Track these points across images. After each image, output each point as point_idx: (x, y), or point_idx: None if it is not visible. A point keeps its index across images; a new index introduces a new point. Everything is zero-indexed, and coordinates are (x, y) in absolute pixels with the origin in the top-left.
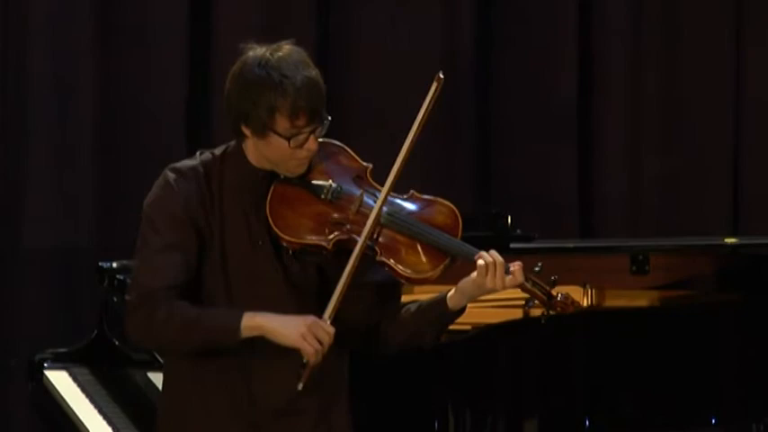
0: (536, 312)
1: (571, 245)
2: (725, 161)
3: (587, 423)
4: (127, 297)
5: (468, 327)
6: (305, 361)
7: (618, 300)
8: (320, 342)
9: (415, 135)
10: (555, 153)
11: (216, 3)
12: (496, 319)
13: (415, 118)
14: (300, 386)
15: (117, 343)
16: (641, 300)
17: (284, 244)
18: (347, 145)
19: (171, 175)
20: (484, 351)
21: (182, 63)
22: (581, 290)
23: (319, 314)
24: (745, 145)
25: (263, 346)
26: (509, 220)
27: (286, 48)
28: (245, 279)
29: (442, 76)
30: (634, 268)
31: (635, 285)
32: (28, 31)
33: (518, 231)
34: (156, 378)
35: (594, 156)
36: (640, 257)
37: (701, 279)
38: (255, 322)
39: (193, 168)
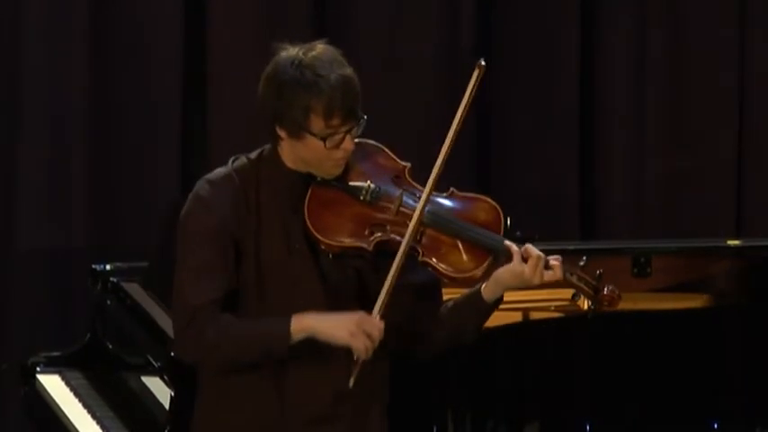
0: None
1: (572, 246)
2: (728, 163)
3: (588, 427)
4: (173, 319)
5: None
6: (355, 358)
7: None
8: (370, 338)
9: (456, 129)
10: (556, 154)
11: (211, 3)
12: (497, 322)
13: (456, 110)
14: (352, 382)
15: (110, 346)
16: (643, 302)
17: (323, 247)
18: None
19: (204, 188)
20: (484, 354)
21: (176, 64)
22: None
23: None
24: (749, 147)
25: (299, 354)
26: (509, 222)
27: (319, 47)
28: (281, 283)
29: (483, 62)
30: (636, 270)
31: (637, 287)
32: (21, 32)
33: (518, 233)
34: (150, 382)
35: (596, 157)
36: (642, 259)
37: (704, 281)
38: (305, 324)
39: (227, 177)
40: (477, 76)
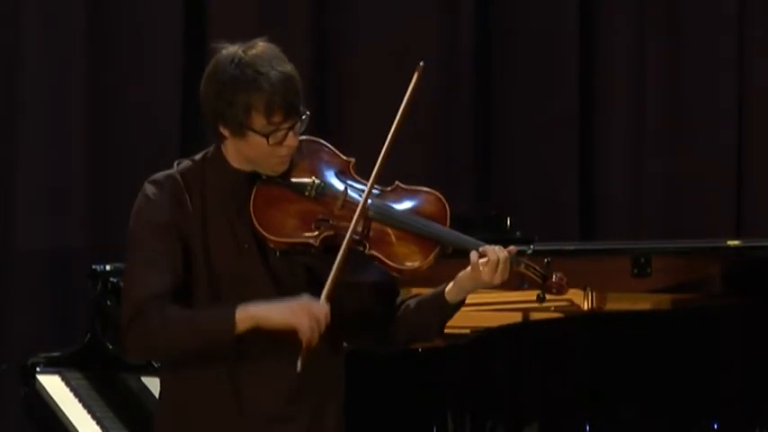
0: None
1: (572, 247)
2: (728, 163)
3: (588, 428)
4: (121, 315)
5: (468, 330)
6: (302, 339)
7: (619, 303)
8: (316, 320)
9: (397, 126)
10: (556, 154)
11: (210, 3)
12: (496, 322)
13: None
14: (299, 366)
15: (110, 347)
16: (643, 303)
17: (271, 245)
18: (338, 142)
19: (148, 187)
20: (483, 355)
21: (176, 64)
22: (581, 293)
23: None
24: (748, 147)
25: (251, 352)
26: (508, 222)
27: (260, 45)
28: (233, 284)
29: (422, 64)
30: (635, 271)
31: (636, 288)
32: (20, 32)
33: (518, 233)
34: (150, 382)
35: (596, 157)
36: (642, 260)
37: (703, 282)
38: (248, 313)
39: (170, 177)
40: (417, 79)
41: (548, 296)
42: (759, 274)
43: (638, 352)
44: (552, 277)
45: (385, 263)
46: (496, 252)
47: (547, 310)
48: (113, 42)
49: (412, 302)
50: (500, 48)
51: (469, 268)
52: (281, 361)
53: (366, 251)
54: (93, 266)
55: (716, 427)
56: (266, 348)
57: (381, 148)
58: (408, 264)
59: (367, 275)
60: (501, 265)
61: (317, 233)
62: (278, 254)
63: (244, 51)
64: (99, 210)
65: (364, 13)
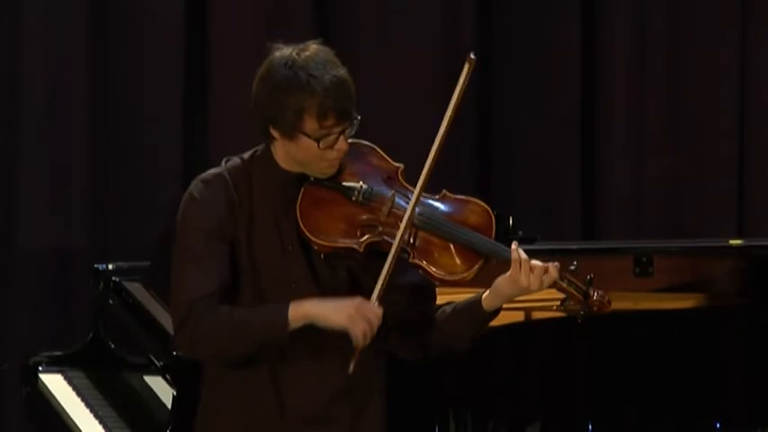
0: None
1: (574, 246)
2: (729, 162)
3: (590, 427)
4: (172, 317)
5: None
6: (354, 344)
7: (621, 302)
8: (369, 323)
9: (447, 127)
10: (556, 154)
11: (211, 3)
12: (497, 322)
13: (445, 110)
14: (351, 368)
15: (112, 346)
16: (645, 302)
17: (315, 247)
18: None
19: (197, 187)
20: (485, 354)
21: (178, 61)
22: None
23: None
24: (750, 146)
25: (294, 352)
26: (511, 222)
27: (313, 47)
28: (276, 284)
29: (473, 56)
30: (637, 270)
31: (638, 287)
32: (21, 32)
33: (520, 233)
34: (152, 381)
35: (597, 157)
36: (644, 259)
37: (706, 281)
38: (303, 310)
39: (219, 176)
40: (468, 72)
41: (549, 296)
42: (761, 273)
43: (640, 352)
44: (594, 295)
45: (429, 272)
46: (541, 263)
47: (548, 309)
48: (114, 42)
49: (447, 309)
50: (501, 47)
51: (509, 273)
52: (323, 362)
53: (411, 259)
54: (95, 265)
55: (718, 426)
56: (309, 349)
57: (428, 154)
58: (452, 275)
59: (407, 279)
60: (549, 271)
61: (362, 239)
62: (322, 256)
63: (297, 53)
64: (99, 209)
65: (365, 13)
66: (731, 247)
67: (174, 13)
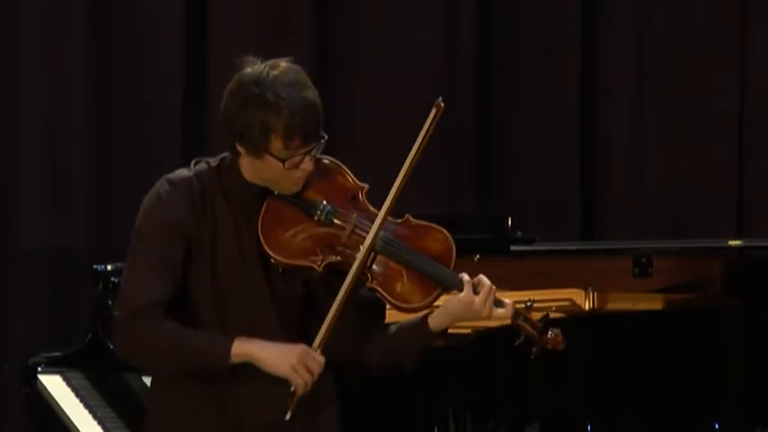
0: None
1: (573, 247)
2: (729, 162)
3: (589, 427)
4: (114, 312)
5: (470, 330)
6: (292, 390)
7: (620, 303)
8: (310, 372)
9: (412, 160)
10: (556, 154)
11: (212, 2)
12: (497, 322)
13: (413, 141)
14: (288, 416)
15: (111, 347)
16: (644, 303)
17: (273, 262)
18: (346, 157)
19: (163, 186)
20: (484, 354)
21: (176, 64)
22: (583, 293)
23: (305, 336)
24: (750, 146)
25: (247, 366)
26: (509, 222)
27: (283, 65)
28: (233, 293)
29: (441, 103)
30: (637, 271)
31: (638, 288)
32: (21, 32)
33: (519, 233)
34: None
35: (597, 157)
36: (643, 260)
37: (705, 282)
38: (245, 350)
39: (187, 180)
40: (435, 116)
41: (548, 297)
42: (760, 273)
43: (640, 352)
44: (548, 333)
45: (386, 297)
46: (489, 283)
47: (548, 310)
48: (114, 42)
49: (392, 327)
50: (501, 47)
51: (462, 294)
52: (275, 379)
53: (368, 283)
54: (95, 266)
55: (717, 427)
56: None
57: (394, 181)
58: (408, 303)
59: (358, 294)
60: (505, 305)
61: (321, 258)
62: (280, 270)
63: (267, 72)
64: (99, 210)
65: (365, 13)
66: (731, 247)
67: (174, 14)
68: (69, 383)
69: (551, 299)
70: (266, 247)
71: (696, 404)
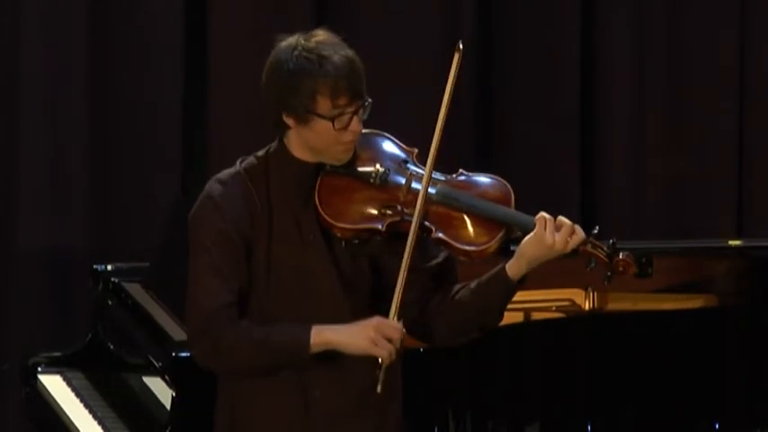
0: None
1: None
2: (729, 162)
3: (589, 428)
4: (188, 323)
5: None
6: (380, 362)
7: (620, 303)
8: (391, 341)
9: (445, 109)
10: (556, 154)
11: (212, 2)
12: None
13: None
14: (380, 388)
15: (111, 347)
16: (644, 303)
17: (337, 233)
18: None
19: (213, 187)
20: (484, 354)
21: (177, 62)
22: (583, 293)
23: (379, 310)
24: (750, 146)
25: (323, 354)
26: None
27: (319, 32)
28: (298, 278)
29: (461, 46)
30: (637, 271)
31: (638, 288)
32: (21, 32)
33: (519, 233)
34: (151, 382)
35: (597, 157)
36: (643, 260)
37: (705, 282)
38: (324, 338)
39: (236, 175)
40: (458, 60)
41: (548, 297)
42: (761, 273)
43: (639, 352)
44: (619, 255)
45: (452, 245)
46: (568, 221)
47: (548, 310)
48: (114, 42)
49: (471, 284)
50: (501, 47)
51: (534, 232)
52: (351, 364)
53: (432, 235)
54: (95, 266)
55: (717, 427)
56: (338, 352)
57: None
58: (475, 245)
59: (427, 263)
60: (576, 232)
61: (383, 219)
62: (344, 243)
63: (305, 39)
64: (99, 210)
65: (365, 13)
66: (731, 247)
67: (173, 13)
68: (69, 383)
69: (551, 299)
70: (328, 219)
71: (696, 404)
